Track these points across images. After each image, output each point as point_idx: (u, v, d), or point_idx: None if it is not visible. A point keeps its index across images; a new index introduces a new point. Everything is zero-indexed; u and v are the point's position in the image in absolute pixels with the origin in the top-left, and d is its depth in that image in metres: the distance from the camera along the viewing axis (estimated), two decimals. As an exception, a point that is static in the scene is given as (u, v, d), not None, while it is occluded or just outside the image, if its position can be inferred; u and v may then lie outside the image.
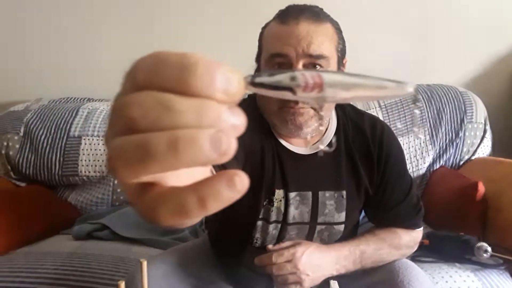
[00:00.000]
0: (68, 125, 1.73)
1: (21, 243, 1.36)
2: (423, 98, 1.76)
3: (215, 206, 0.23)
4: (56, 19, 1.98)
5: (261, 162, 0.87)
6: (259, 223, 0.89)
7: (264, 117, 0.89)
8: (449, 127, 1.72)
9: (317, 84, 0.25)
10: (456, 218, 1.37)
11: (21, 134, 1.72)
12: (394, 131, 1.66)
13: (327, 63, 0.81)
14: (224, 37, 1.96)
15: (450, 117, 1.73)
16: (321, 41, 0.79)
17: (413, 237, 0.94)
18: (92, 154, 1.68)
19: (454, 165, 1.73)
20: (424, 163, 1.70)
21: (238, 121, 0.24)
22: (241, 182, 0.24)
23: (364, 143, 0.91)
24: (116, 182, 1.65)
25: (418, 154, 1.70)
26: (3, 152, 1.71)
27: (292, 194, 0.88)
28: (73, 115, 1.76)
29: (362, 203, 0.94)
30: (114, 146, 0.23)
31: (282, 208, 0.88)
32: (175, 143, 0.22)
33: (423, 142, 1.71)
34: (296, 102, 0.80)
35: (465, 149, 1.72)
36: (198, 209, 0.23)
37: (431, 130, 1.71)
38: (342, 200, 0.90)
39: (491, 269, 1.11)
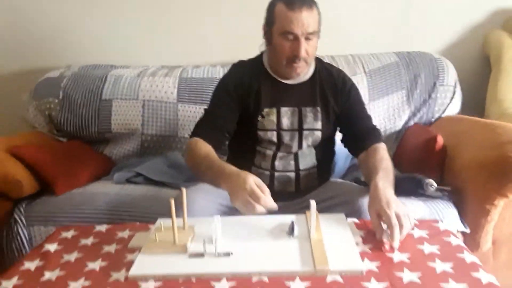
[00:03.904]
0: (100, 90, 2.02)
1: (73, 186, 1.63)
2: (403, 64, 2.03)
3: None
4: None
5: (259, 92, 1.33)
6: (262, 132, 1.32)
7: (263, 66, 1.37)
8: (424, 89, 1.99)
9: None
10: (420, 166, 1.61)
11: (60, 97, 2.02)
12: (377, 93, 1.96)
13: (315, 35, 1.26)
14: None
15: (425, 81, 1.99)
16: (313, 22, 1.22)
17: (384, 149, 1.26)
18: (123, 114, 1.98)
19: (426, 122, 2.00)
20: (401, 120, 1.99)
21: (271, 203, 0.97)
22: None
23: (331, 80, 1.37)
24: (143, 137, 1.99)
25: (395, 113, 1.99)
26: (46, 113, 2.02)
27: (284, 109, 1.33)
28: (103, 81, 2.04)
29: (332, 119, 1.36)
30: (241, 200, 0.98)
31: (275, 120, 1.32)
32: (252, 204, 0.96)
33: (401, 102, 2.00)
34: (299, 59, 1.25)
35: (436, 108, 2.00)
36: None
37: (408, 92, 1.99)
38: (317, 113, 1.34)
39: (438, 199, 1.42)
